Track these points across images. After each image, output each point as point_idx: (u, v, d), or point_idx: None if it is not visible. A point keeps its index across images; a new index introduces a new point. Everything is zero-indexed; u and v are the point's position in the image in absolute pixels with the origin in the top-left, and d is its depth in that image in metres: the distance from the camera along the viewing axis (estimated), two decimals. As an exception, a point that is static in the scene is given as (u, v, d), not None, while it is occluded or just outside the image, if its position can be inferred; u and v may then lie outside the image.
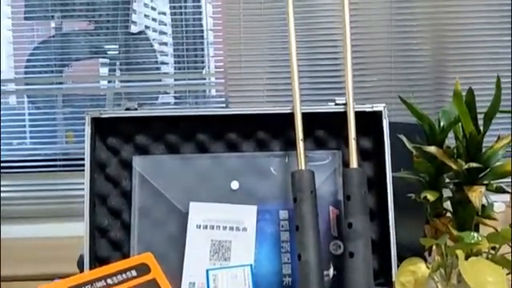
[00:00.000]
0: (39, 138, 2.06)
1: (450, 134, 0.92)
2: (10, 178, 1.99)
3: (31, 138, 2.09)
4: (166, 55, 2.10)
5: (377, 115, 0.88)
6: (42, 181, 1.99)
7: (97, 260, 0.87)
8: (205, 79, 2.06)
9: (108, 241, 0.88)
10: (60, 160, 2.01)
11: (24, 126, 2.10)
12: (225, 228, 0.88)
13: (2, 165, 1.98)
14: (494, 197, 0.95)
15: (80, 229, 0.86)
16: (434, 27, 1.87)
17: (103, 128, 0.89)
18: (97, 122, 0.88)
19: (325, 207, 0.88)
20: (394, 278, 0.84)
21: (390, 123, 0.89)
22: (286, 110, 0.87)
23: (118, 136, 0.89)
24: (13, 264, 1.55)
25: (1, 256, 1.53)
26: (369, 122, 0.89)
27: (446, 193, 0.93)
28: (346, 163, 0.88)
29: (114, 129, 0.89)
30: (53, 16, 2.03)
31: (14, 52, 2.11)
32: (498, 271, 0.73)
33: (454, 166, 0.84)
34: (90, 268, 0.83)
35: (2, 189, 1.94)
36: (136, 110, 0.87)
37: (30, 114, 2.12)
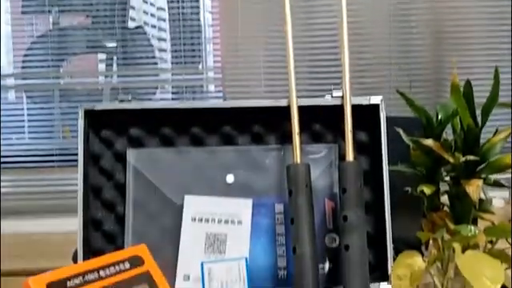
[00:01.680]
0: (37, 133, 2.06)
1: (449, 130, 0.91)
2: (9, 174, 1.98)
3: (29, 132, 2.08)
4: (165, 51, 2.09)
5: (374, 108, 0.87)
6: (40, 176, 1.98)
7: (91, 253, 0.86)
8: (202, 74, 2.05)
9: (102, 233, 0.87)
10: (57, 155, 2.01)
11: (23, 120, 2.09)
12: (220, 221, 0.87)
13: (2, 160, 1.97)
14: (492, 193, 0.94)
15: (76, 224, 0.85)
16: (433, 20, 1.86)
17: (97, 121, 0.88)
18: (90, 115, 0.87)
19: (320, 200, 0.87)
20: (389, 272, 0.84)
21: (387, 118, 0.88)
22: (282, 103, 0.86)
23: (112, 129, 0.89)
24: (11, 259, 1.55)
25: (0, 251, 1.53)
26: (366, 116, 0.88)
27: (444, 187, 0.92)
28: (342, 157, 0.87)
29: (108, 121, 0.88)
30: (50, 10, 2.02)
31: (13, 46, 2.10)
32: (494, 264, 0.72)
33: (451, 159, 0.83)
34: (84, 261, 0.83)
35: (2, 184, 1.94)
36: (130, 102, 0.86)
37: (28, 109, 2.11)
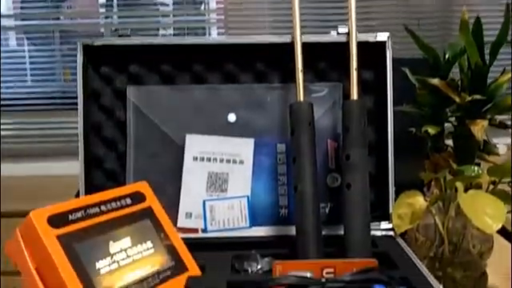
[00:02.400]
0: (38, 76, 2.03)
1: (456, 70, 0.89)
2: (10, 117, 1.98)
3: (31, 75, 2.06)
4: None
5: (380, 46, 0.85)
6: (41, 119, 1.98)
7: (93, 191, 0.85)
8: (204, 15, 2.00)
9: (103, 172, 0.88)
10: (58, 98, 1.99)
11: (24, 63, 2.07)
12: (222, 160, 0.86)
13: (2, 103, 1.96)
14: (495, 140, 0.93)
15: (77, 167, 0.85)
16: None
17: (96, 57, 0.86)
18: (89, 51, 0.85)
19: (323, 140, 0.86)
20: (390, 211, 0.84)
21: (394, 59, 0.86)
22: (286, 39, 0.84)
23: (112, 65, 0.87)
24: (11, 201, 1.56)
25: (0, 193, 1.54)
26: (372, 54, 0.86)
27: (448, 129, 0.91)
28: (346, 96, 0.85)
29: (107, 58, 0.86)
30: None
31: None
32: (497, 203, 0.72)
33: (457, 99, 0.82)
34: (85, 197, 0.83)
35: (2, 127, 1.94)
36: (129, 37, 0.84)
37: (29, 51, 2.08)
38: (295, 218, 0.78)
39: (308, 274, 0.66)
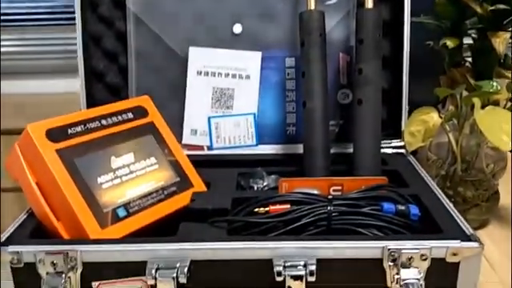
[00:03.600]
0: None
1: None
2: (10, 32, 1.92)
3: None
4: None
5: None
6: (42, 35, 1.92)
7: (95, 105, 0.83)
8: None
9: (105, 85, 0.84)
10: (59, 13, 1.92)
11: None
12: (227, 75, 0.83)
13: (2, 18, 1.90)
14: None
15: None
16: None
17: (92, -38, 0.80)
18: (84, -45, 0.79)
19: (335, 53, 0.82)
20: (403, 128, 0.81)
21: (412, -33, 0.80)
22: None
23: (109, -29, 0.81)
24: (11, 119, 1.54)
25: (1, 110, 1.52)
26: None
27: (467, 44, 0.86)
28: (361, 5, 0.79)
29: (105, -37, 0.80)
30: None
31: None
32: (515, 120, 0.68)
33: (478, 9, 0.76)
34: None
35: (2, 43, 1.88)
36: None
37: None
38: (303, 136, 0.76)
39: (315, 192, 0.65)
